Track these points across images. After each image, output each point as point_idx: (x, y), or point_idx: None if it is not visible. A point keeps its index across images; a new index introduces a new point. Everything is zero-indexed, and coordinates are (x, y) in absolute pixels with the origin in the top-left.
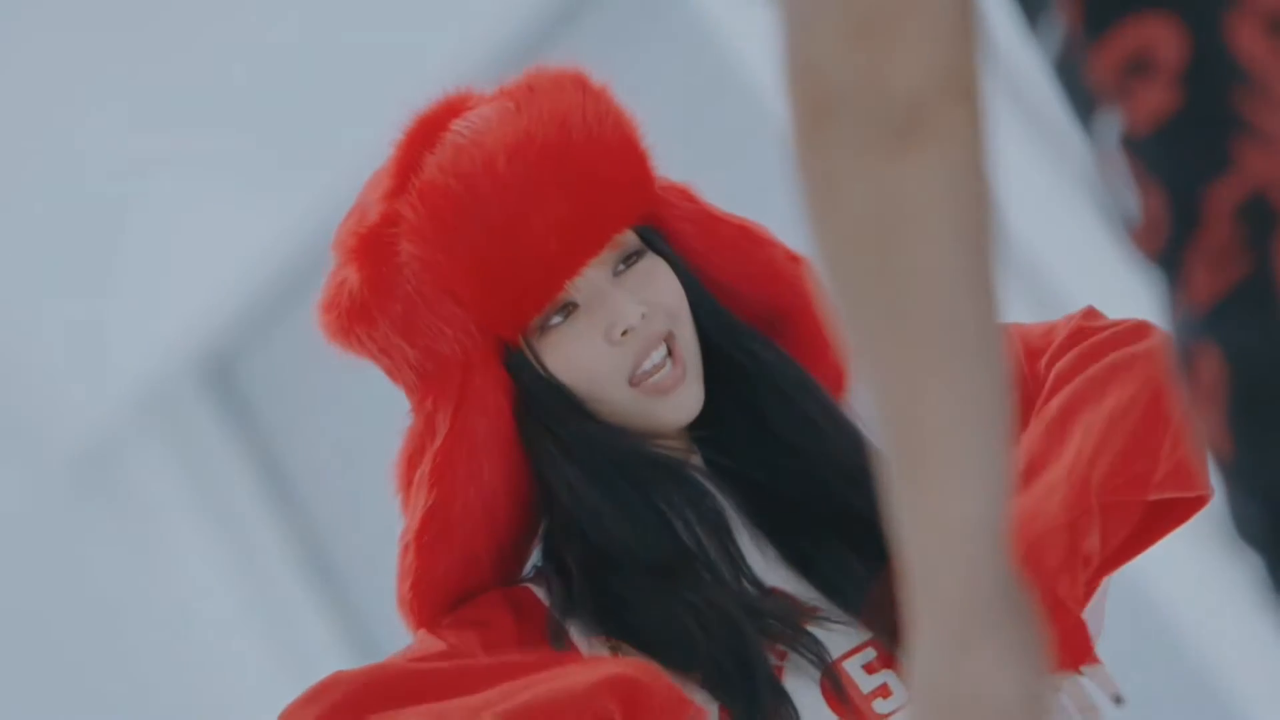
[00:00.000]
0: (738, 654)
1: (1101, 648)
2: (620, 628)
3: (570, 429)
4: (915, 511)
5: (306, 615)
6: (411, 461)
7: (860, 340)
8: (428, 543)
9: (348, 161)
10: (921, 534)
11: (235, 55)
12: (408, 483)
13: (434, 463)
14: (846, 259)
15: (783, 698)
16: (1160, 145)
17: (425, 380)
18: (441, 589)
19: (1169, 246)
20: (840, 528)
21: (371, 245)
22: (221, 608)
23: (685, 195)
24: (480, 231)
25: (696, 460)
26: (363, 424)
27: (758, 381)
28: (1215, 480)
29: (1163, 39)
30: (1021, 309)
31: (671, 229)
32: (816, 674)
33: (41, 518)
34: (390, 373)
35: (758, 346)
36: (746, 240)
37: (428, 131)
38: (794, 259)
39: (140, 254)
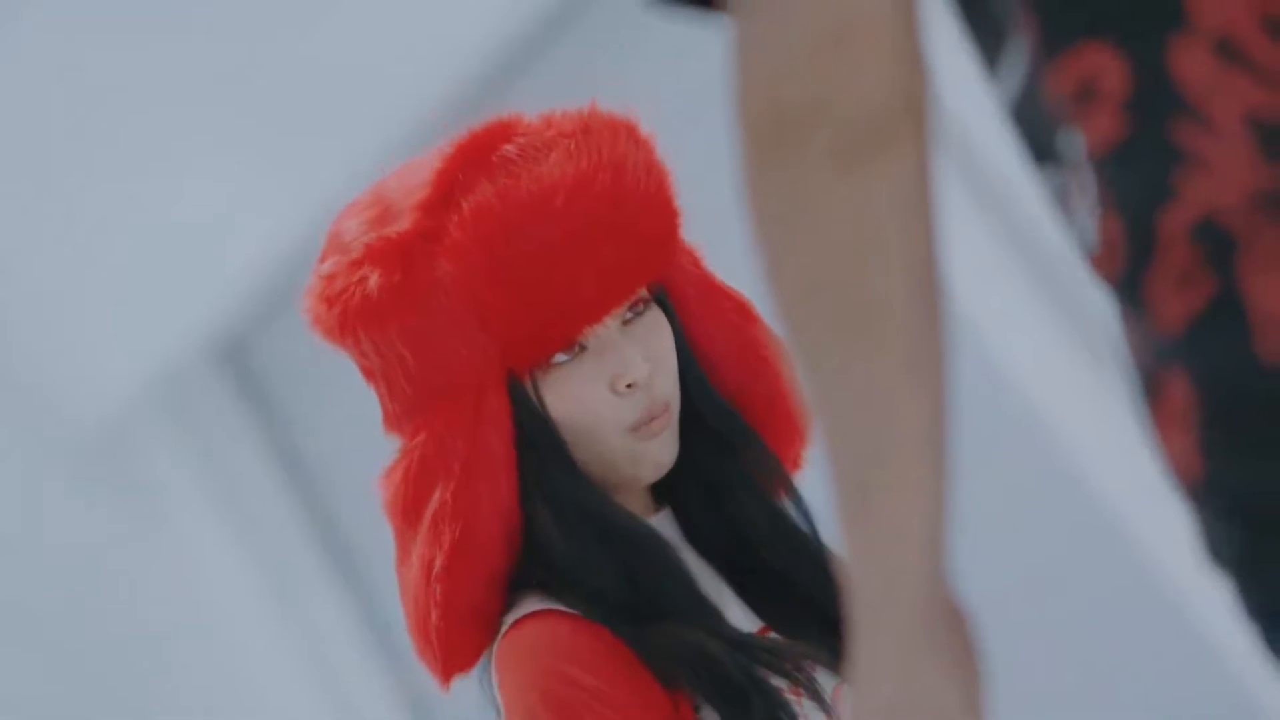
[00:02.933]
0: (740, 678)
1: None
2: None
3: (551, 472)
4: (865, 524)
5: (321, 597)
6: (420, 485)
7: (813, 359)
8: (458, 572)
9: (363, 145)
10: (871, 545)
11: (248, 37)
12: (415, 508)
13: (457, 489)
14: (803, 271)
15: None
16: (1114, 169)
17: (422, 393)
18: (469, 617)
19: (1128, 270)
20: (791, 593)
21: (404, 253)
22: (235, 590)
23: (693, 259)
24: (526, 264)
25: (661, 518)
26: (377, 407)
27: (726, 459)
28: (1183, 505)
29: (1105, 68)
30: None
31: (675, 291)
32: (826, 702)
33: (55, 500)
34: (371, 374)
35: (733, 425)
36: (738, 315)
37: (477, 151)
38: (777, 340)
39: (155, 235)
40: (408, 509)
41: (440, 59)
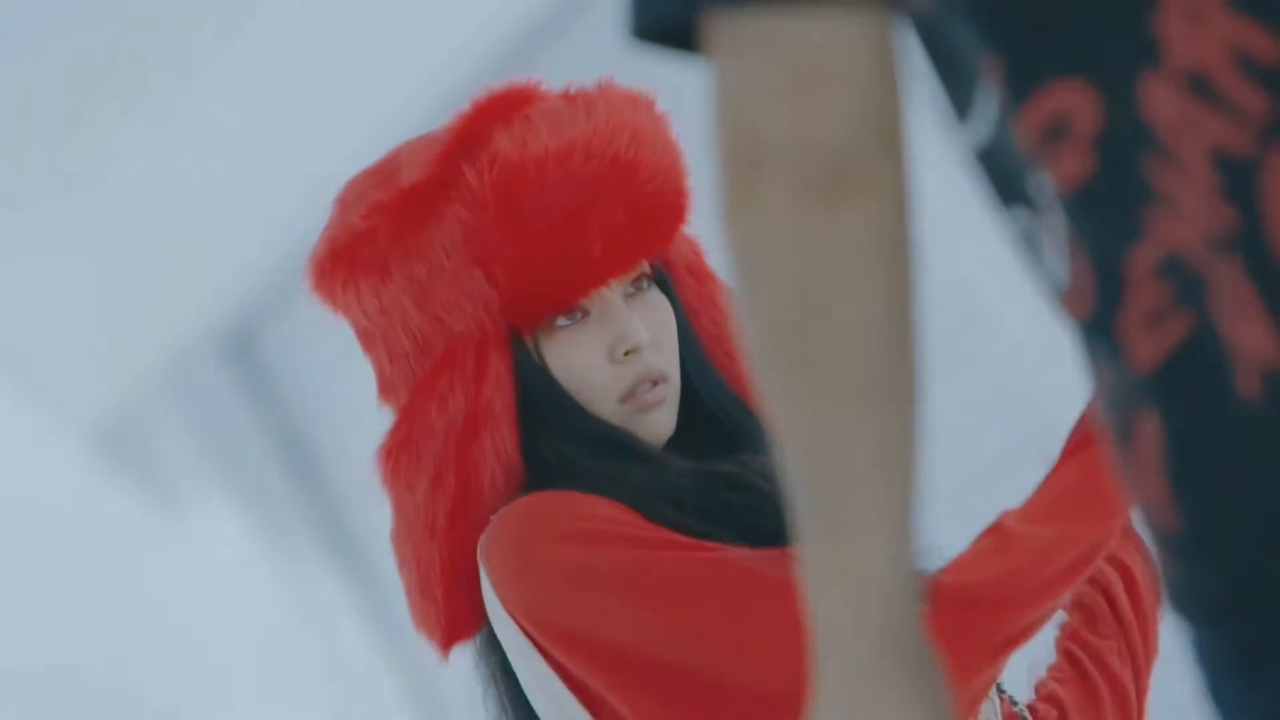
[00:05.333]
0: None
1: None
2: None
3: (566, 420)
4: (827, 564)
5: (327, 585)
6: (422, 443)
7: (780, 396)
8: (463, 526)
9: (369, 134)
10: (832, 587)
11: (255, 28)
12: (415, 468)
13: (459, 441)
14: (772, 311)
15: None
16: (1081, 209)
17: (423, 349)
18: (473, 576)
19: (1099, 310)
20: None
21: (416, 202)
22: (242, 578)
23: (694, 248)
24: (539, 218)
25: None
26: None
27: (724, 438)
28: (1156, 552)
29: (1077, 105)
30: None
31: (674, 275)
32: None
33: (64, 488)
34: (369, 338)
35: (734, 408)
36: (730, 309)
37: (498, 109)
38: None
39: (163, 226)
40: (408, 470)
41: (446, 48)
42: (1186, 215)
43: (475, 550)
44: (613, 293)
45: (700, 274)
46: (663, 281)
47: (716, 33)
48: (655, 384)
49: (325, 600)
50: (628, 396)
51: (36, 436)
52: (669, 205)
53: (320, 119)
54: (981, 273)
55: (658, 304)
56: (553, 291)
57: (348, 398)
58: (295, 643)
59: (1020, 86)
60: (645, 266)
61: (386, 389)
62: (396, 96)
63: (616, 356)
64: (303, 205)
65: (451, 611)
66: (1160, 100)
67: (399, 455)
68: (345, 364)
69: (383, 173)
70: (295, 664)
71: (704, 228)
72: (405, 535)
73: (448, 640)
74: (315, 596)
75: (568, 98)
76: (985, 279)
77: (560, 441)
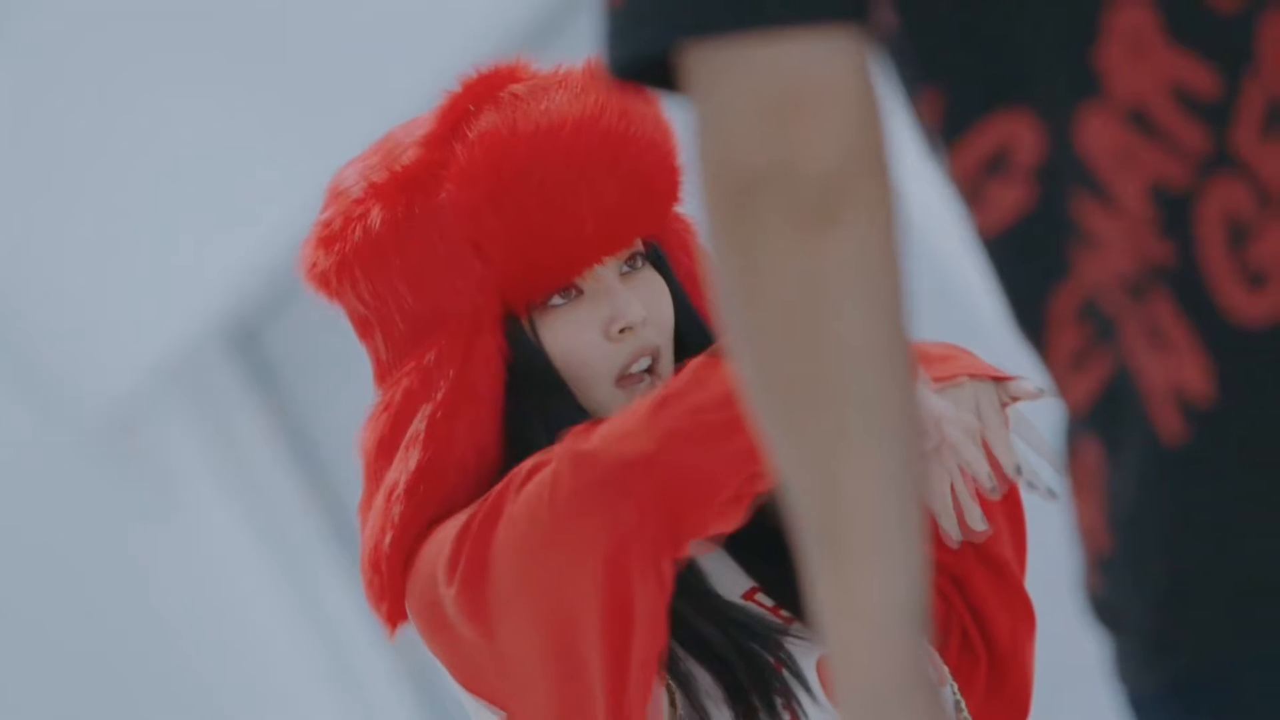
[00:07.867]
0: (741, 652)
1: None
2: None
3: (557, 409)
4: (835, 595)
5: (330, 580)
6: (401, 416)
7: (779, 424)
8: (420, 496)
9: (373, 132)
10: (841, 618)
11: (260, 23)
12: (391, 440)
13: (433, 415)
14: (767, 339)
15: (785, 687)
16: (1005, 249)
17: (418, 333)
18: (416, 553)
19: (1033, 348)
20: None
21: (408, 185)
22: (246, 573)
23: (688, 229)
24: (531, 194)
25: None
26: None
27: None
28: (1087, 571)
29: (1021, 136)
30: None
31: (670, 254)
32: (802, 676)
33: (68, 484)
34: (366, 326)
35: None
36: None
37: (484, 89)
38: None
39: (167, 220)
40: (383, 442)
41: (451, 45)
42: (1109, 254)
43: (430, 522)
44: (607, 270)
45: (693, 254)
46: (658, 260)
47: (693, 64)
48: (651, 365)
49: (327, 597)
50: (623, 377)
51: (38, 430)
52: (662, 182)
53: (328, 114)
54: (977, 279)
55: (653, 282)
56: (546, 269)
57: (352, 393)
58: (296, 639)
59: (960, 120)
60: (639, 244)
61: (383, 376)
62: (399, 93)
63: (611, 334)
64: (306, 200)
65: (397, 588)
66: (1097, 133)
67: (380, 426)
68: (349, 359)
69: (375, 157)
70: (296, 661)
71: (695, 208)
72: (366, 506)
73: (393, 617)
74: (317, 593)
75: (556, 75)
76: (981, 285)
77: (545, 431)
